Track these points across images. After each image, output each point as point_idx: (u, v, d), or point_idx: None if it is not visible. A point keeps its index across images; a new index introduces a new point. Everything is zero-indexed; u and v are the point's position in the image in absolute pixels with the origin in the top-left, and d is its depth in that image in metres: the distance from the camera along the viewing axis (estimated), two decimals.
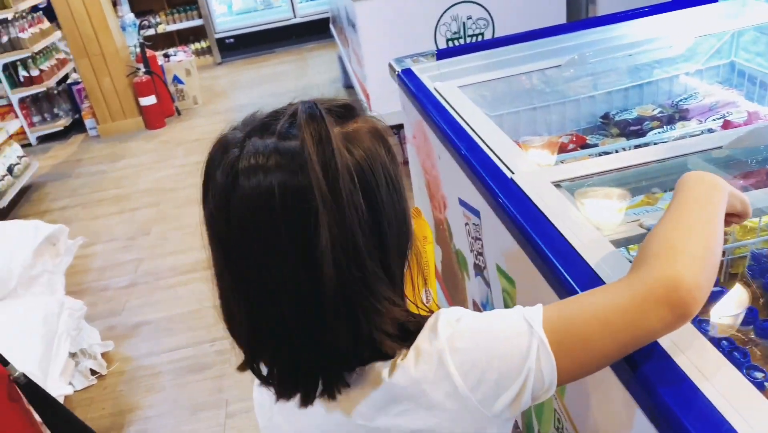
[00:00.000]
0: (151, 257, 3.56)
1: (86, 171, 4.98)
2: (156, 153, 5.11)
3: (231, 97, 6.28)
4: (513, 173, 1.15)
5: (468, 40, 3.36)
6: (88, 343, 2.71)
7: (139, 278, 3.39)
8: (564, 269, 0.86)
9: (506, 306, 1.25)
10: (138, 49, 5.54)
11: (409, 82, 1.76)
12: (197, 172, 0.69)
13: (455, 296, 1.79)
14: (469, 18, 3.32)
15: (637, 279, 0.65)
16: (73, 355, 2.61)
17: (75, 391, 2.55)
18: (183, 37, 7.55)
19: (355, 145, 0.64)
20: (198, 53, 7.29)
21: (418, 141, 1.86)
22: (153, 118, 5.57)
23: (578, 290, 0.81)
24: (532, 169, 1.19)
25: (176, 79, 5.86)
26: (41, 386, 1.97)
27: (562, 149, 1.60)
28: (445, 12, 3.30)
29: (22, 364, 2.04)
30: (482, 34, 3.37)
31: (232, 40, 7.33)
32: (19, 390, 1.88)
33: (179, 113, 5.83)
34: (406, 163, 2.42)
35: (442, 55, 1.91)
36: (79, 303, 2.75)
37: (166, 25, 7.22)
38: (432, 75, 1.80)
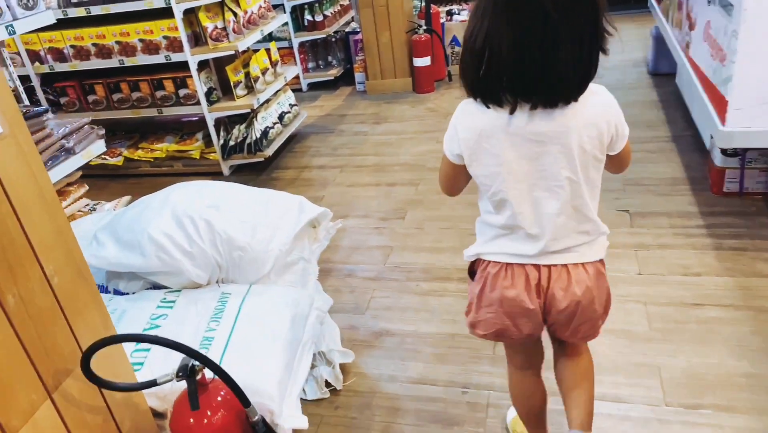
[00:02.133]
0: (402, 248, 3.13)
1: (348, 129, 4.76)
2: (420, 121, 4.69)
3: None
4: None
5: None
6: (327, 346, 2.36)
7: (387, 271, 2.98)
8: None
9: None
10: (422, 3, 5.12)
11: None
12: None
13: None
14: None
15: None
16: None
17: (303, 400, 2.22)
18: None
19: None
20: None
21: None
22: (423, 81, 5.16)
23: None
24: None
25: (455, 41, 5.35)
26: (277, 423, 1.59)
27: None
28: None
29: (262, 383, 1.69)
30: None
31: None
32: None
33: (450, 78, 5.35)
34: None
35: None
36: (328, 301, 2.39)
37: None
38: None
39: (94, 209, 2.90)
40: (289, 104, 4.58)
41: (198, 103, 4.01)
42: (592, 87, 1.21)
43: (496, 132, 1.24)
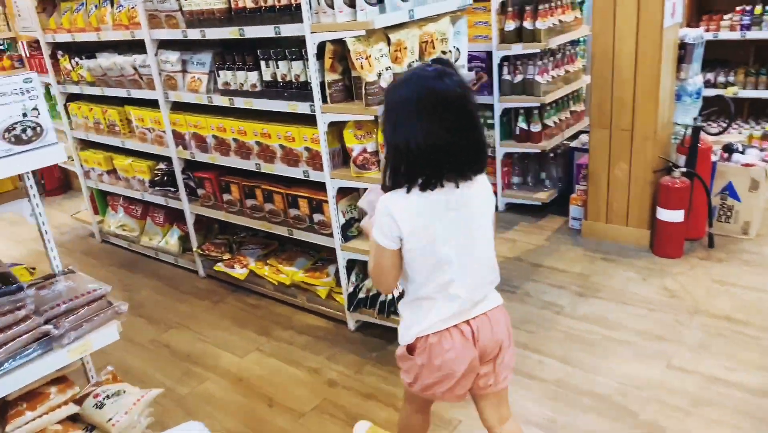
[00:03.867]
0: None
1: (537, 294, 3.36)
2: (650, 313, 3.09)
3: None
4: None
5: None
6: None
7: None
8: None
9: None
10: (687, 132, 3.53)
11: None
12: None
13: None
14: None
15: None
16: None
17: None
18: (755, 109, 5.11)
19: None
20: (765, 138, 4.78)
21: None
22: (667, 241, 3.54)
23: None
24: None
25: (729, 190, 3.63)
26: None
27: None
28: None
29: None
30: None
31: None
32: None
33: (712, 244, 3.62)
34: None
35: None
36: None
37: (741, 88, 4.89)
38: None
39: (102, 405, 2.03)
40: None
41: (332, 234, 3.01)
42: None
43: (428, 207, 1.56)
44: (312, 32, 2.62)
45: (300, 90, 2.84)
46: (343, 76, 2.72)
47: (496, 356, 1.72)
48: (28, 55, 4.30)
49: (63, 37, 3.92)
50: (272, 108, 2.97)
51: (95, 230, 4.64)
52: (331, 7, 2.54)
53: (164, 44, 3.42)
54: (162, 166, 3.85)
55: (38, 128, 1.64)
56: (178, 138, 3.57)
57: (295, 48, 2.80)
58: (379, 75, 2.58)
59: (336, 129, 2.83)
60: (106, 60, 3.68)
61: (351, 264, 3.07)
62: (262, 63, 2.94)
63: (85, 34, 3.73)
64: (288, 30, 2.70)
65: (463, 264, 1.60)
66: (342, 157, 2.92)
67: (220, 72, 3.16)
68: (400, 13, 2.59)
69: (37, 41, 4.08)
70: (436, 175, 1.51)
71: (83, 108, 4.11)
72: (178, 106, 3.52)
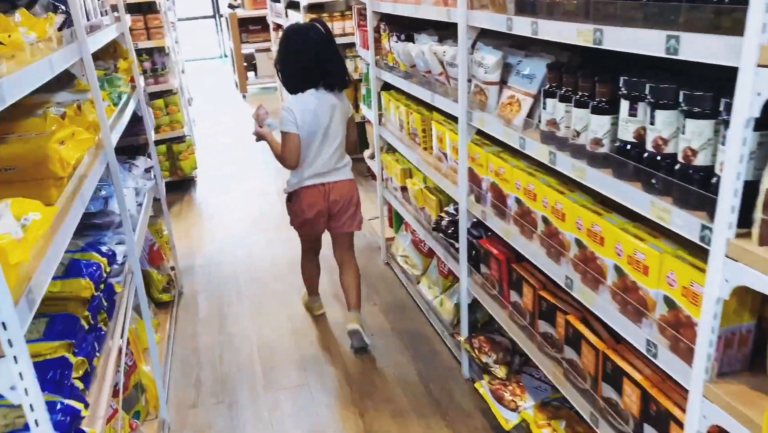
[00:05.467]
0: None
1: None
2: None
3: None
4: None
5: None
6: None
7: None
8: None
9: None
10: None
11: None
12: None
13: None
14: None
15: None
16: None
17: None
18: None
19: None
20: None
21: None
22: None
23: None
24: None
25: None
26: None
27: None
28: None
29: None
30: None
31: None
32: None
33: None
34: None
35: None
36: None
37: None
38: None
39: None
40: None
41: None
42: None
43: (312, 104, 2.66)
44: (760, 65, 1.00)
45: (690, 180, 1.25)
46: None
47: (342, 208, 2.82)
48: (357, 25, 3.55)
49: (385, 7, 2.99)
50: (617, 196, 1.45)
51: (382, 247, 3.79)
52: None
53: (487, 35, 2.15)
54: (451, 209, 2.67)
55: None
56: (474, 181, 2.31)
57: (703, 89, 1.20)
58: None
59: (751, 298, 1.17)
60: (415, 47, 2.60)
61: None
62: (624, 103, 1.42)
63: (406, 6, 2.71)
64: (696, 46, 1.13)
65: (322, 143, 2.70)
66: (742, 347, 1.25)
67: (547, 100, 1.74)
68: None
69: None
70: (310, 83, 2.69)
71: (392, 102, 3.18)
72: (484, 134, 2.25)
